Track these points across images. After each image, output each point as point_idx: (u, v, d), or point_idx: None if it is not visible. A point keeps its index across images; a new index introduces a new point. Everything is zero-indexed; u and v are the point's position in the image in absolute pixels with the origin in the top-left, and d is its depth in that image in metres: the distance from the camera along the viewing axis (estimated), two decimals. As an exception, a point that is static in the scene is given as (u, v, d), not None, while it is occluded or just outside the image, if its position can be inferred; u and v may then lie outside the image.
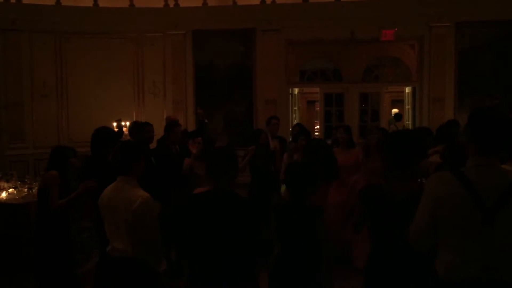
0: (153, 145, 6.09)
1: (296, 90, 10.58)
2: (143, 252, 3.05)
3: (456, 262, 2.08)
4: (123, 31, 9.82)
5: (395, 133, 2.86)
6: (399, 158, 2.52)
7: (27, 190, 5.73)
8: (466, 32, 9.23)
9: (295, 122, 10.48)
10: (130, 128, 6.17)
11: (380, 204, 2.52)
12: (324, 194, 3.58)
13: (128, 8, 9.74)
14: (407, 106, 10.45)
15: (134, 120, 9.64)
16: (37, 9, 9.24)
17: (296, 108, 10.49)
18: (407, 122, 10.42)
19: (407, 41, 9.65)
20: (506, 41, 9.15)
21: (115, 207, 3.11)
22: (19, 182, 5.99)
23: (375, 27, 9.29)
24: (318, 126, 12.62)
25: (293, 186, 3.04)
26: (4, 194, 5.62)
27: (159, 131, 7.94)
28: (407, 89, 10.38)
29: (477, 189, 2.05)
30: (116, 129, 7.96)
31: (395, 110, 12.99)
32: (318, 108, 14.88)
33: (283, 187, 4.56)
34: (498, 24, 9.10)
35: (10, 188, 5.79)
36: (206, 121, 7.19)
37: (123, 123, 8.61)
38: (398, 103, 13.24)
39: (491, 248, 2.03)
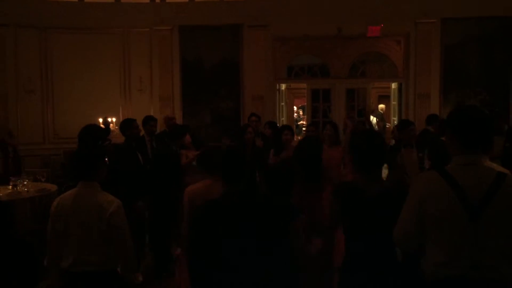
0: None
1: (283, 86, 10.58)
2: (116, 263, 2.90)
3: (443, 260, 2.09)
4: (109, 27, 9.73)
5: (359, 134, 2.87)
6: (363, 161, 2.55)
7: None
8: (452, 29, 9.32)
9: (283, 118, 10.53)
10: (121, 125, 6.15)
11: (354, 200, 2.52)
12: (300, 195, 3.54)
13: (114, 3, 9.65)
14: (393, 102, 10.53)
15: (121, 116, 9.65)
16: (22, 4, 9.11)
17: (282, 104, 10.49)
18: (394, 117, 10.49)
19: (394, 37, 9.70)
20: (490, 37, 9.26)
21: (83, 216, 2.88)
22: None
23: (361, 23, 9.34)
24: (304, 122, 12.68)
25: (270, 184, 3.04)
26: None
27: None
28: (393, 85, 10.45)
29: (463, 187, 2.07)
30: (102, 126, 7.91)
31: (381, 106, 13.08)
32: (295, 107, 15.02)
33: None
34: (482, 20, 9.19)
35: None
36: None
37: (109, 120, 8.57)
38: (385, 98, 13.32)
39: (478, 245, 2.04)
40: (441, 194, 2.09)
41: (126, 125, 5.83)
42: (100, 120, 8.66)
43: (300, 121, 14.43)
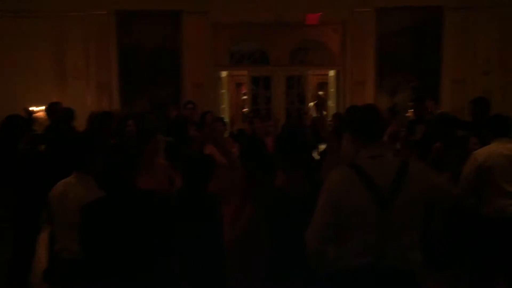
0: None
1: (224, 73, 10.55)
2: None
3: (352, 250, 2.16)
4: (41, 10, 9.25)
5: (284, 132, 2.88)
6: (289, 159, 2.55)
7: None
8: (386, 18, 9.62)
9: (223, 105, 10.51)
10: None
11: (279, 204, 2.51)
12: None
13: (45, -15, 9.21)
14: (331, 89, 10.77)
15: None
16: None
17: (223, 91, 10.48)
18: (332, 104, 10.75)
19: (331, 25, 9.91)
20: (422, 26, 9.64)
21: (69, 206, 2.93)
22: None
23: (300, 11, 9.44)
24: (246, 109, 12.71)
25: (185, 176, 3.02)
26: None
27: (81, 116, 7.73)
28: (331, 72, 10.69)
29: (373, 178, 2.15)
30: (26, 116, 7.51)
31: (320, 93, 13.32)
32: (244, 91, 15.00)
33: None
34: (415, 10, 9.55)
35: None
36: None
37: (35, 109, 8.17)
38: (325, 85, 13.57)
39: (387, 235, 2.13)
40: (352, 188, 2.16)
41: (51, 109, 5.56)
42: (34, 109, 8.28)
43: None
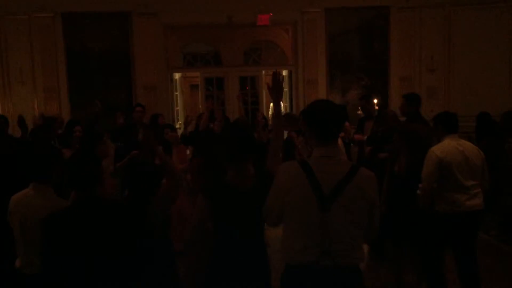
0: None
1: (177, 75, 10.45)
2: None
3: (298, 247, 2.20)
4: (-19, 13, 8.92)
5: (229, 127, 2.86)
6: (233, 154, 2.55)
7: None
8: (335, 18, 9.81)
9: (177, 108, 10.42)
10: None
11: (226, 198, 2.52)
12: None
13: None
14: (285, 89, 10.87)
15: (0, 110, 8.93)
16: None
17: (176, 93, 10.37)
18: (285, 104, 10.85)
19: (282, 26, 10.00)
20: (370, 26, 9.90)
21: (28, 219, 2.78)
22: None
23: (251, 12, 9.48)
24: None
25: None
26: None
27: (28, 122, 7.46)
28: (284, 72, 10.78)
29: (318, 177, 2.18)
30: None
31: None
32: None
33: None
34: (362, 10, 9.79)
35: None
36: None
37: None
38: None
39: (328, 234, 2.17)
40: (298, 184, 2.20)
41: None
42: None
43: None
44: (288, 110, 10.01)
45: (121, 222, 2.36)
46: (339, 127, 2.36)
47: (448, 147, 3.68)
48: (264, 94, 10.82)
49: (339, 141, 4.25)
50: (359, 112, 7.68)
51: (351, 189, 2.18)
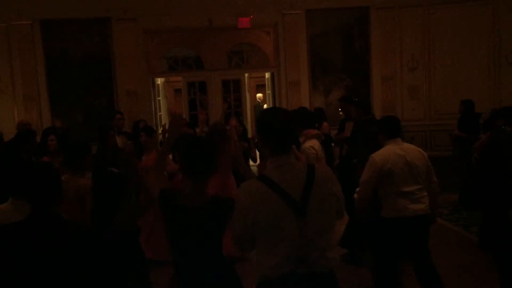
0: None
1: (159, 80, 10.40)
2: None
3: (274, 263, 2.14)
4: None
5: (188, 140, 2.70)
6: (191, 168, 2.45)
7: None
8: (315, 19, 9.84)
9: (160, 113, 10.37)
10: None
11: (174, 209, 2.43)
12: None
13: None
14: (268, 91, 10.88)
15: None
16: None
17: (159, 98, 10.32)
18: (268, 106, 10.86)
19: (263, 28, 10.00)
20: (351, 26, 9.94)
21: None
22: None
23: (232, 15, 9.48)
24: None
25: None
26: None
27: (8, 131, 7.38)
28: (267, 75, 10.80)
29: (283, 187, 2.13)
30: None
31: (259, 95, 13.46)
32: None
33: None
34: (342, 11, 9.83)
35: None
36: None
37: None
38: (263, 87, 13.72)
39: (305, 241, 2.13)
40: (266, 199, 2.13)
41: None
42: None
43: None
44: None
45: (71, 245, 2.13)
46: (293, 136, 2.32)
47: (388, 153, 3.64)
48: (247, 96, 10.83)
49: (316, 142, 4.22)
50: (341, 113, 7.70)
51: (317, 189, 2.17)
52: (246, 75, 10.68)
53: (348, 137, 5.59)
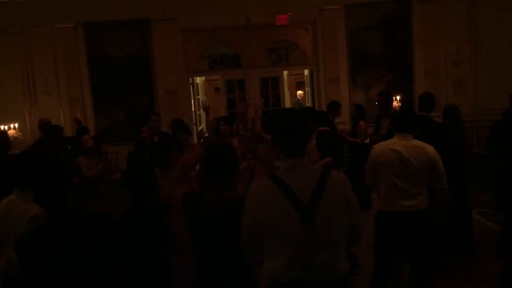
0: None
1: (198, 79, 10.49)
2: None
3: (281, 266, 2.08)
4: (6, 26, 9.18)
5: (212, 146, 2.69)
6: (214, 172, 2.42)
7: None
8: (355, 14, 9.63)
9: (199, 112, 10.45)
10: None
11: (194, 213, 2.44)
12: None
13: (11, 1, 9.09)
14: (307, 88, 10.76)
15: (28, 122, 9.20)
16: None
17: (198, 97, 10.40)
18: (308, 103, 10.73)
19: (301, 25, 9.89)
20: (391, 21, 9.66)
21: (12, 222, 2.87)
22: None
23: (269, 12, 9.42)
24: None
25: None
26: None
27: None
28: (306, 72, 10.67)
29: (294, 190, 2.07)
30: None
31: (300, 92, 13.34)
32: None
33: None
34: (382, 5, 9.58)
35: None
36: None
37: (12, 126, 8.08)
38: (303, 84, 13.60)
39: (313, 245, 2.06)
40: (274, 200, 2.09)
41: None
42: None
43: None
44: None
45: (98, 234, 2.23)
46: (305, 138, 2.23)
47: (386, 146, 3.65)
48: (286, 94, 10.75)
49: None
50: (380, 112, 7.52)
51: (327, 196, 2.08)
52: (285, 72, 10.61)
53: (384, 135, 5.41)
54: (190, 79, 10.03)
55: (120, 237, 2.42)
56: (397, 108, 6.43)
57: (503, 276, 3.42)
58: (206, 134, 5.79)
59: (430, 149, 3.57)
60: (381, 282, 3.74)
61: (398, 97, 6.83)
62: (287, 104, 10.78)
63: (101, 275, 2.22)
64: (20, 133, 7.81)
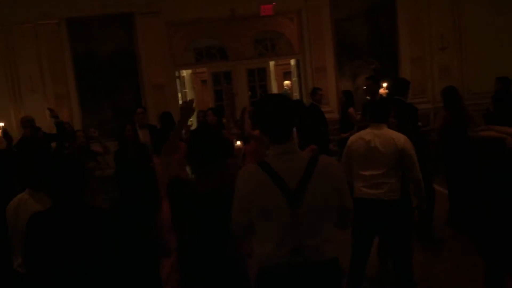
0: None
1: (184, 72, 10.44)
2: None
3: (269, 250, 2.12)
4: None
5: (198, 130, 2.75)
6: (205, 156, 2.46)
7: None
8: (340, 3, 9.62)
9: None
10: None
11: (182, 197, 2.46)
12: None
13: (-10, -2, 8.96)
14: (294, 78, 10.76)
15: (14, 120, 9.08)
16: None
17: (185, 90, 10.36)
18: (295, 93, 10.74)
19: (286, 15, 9.85)
20: (376, 9, 9.67)
21: (22, 221, 2.83)
22: None
23: (254, 3, 9.38)
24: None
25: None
26: None
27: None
28: (292, 62, 10.66)
29: (281, 175, 2.10)
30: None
31: (287, 82, 13.32)
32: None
33: None
34: (368, -7, 9.58)
35: None
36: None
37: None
38: (290, 75, 13.58)
39: (300, 229, 2.09)
40: (262, 186, 2.12)
41: None
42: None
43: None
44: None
45: (98, 228, 2.37)
46: (291, 123, 2.23)
47: (359, 136, 3.79)
48: (274, 85, 10.74)
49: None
50: (368, 97, 7.54)
51: (315, 180, 2.11)
52: (271, 63, 10.58)
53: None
54: (177, 72, 9.98)
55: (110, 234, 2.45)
56: (384, 95, 6.46)
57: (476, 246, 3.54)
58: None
59: (400, 138, 3.62)
60: (356, 265, 3.79)
61: (385, 84, 6.83)
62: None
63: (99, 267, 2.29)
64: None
